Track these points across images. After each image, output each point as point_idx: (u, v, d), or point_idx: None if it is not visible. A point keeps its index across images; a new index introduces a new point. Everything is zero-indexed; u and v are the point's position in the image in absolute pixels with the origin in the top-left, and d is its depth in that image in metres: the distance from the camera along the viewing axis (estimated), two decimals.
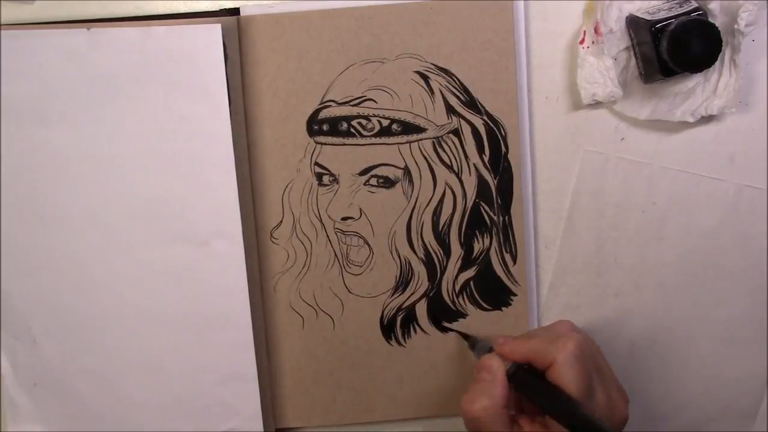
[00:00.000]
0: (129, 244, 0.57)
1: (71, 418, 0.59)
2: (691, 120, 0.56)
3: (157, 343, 0.58)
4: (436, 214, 0.58)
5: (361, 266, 0.59)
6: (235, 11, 0.57)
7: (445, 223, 0.58)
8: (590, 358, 0.53)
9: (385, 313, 0.59)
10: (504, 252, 0.58)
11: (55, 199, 0.56)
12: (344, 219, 0.58)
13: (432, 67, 0.57)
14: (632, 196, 0.59)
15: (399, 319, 0.59)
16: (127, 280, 0.57)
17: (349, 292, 0.59)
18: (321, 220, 0.58)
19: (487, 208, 0.58)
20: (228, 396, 0.59)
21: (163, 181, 0.56)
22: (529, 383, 0.52)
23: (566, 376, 0.50)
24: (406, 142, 0.57)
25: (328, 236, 0.58)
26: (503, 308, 0.59)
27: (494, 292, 0.59)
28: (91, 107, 0.55)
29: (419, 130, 0.57)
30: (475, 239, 0.58)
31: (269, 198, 0.58)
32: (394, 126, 0.57)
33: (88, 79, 0.55)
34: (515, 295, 0.59)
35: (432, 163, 0.57)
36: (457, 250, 0.58)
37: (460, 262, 0.58)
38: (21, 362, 0.59)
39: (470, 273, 0.59)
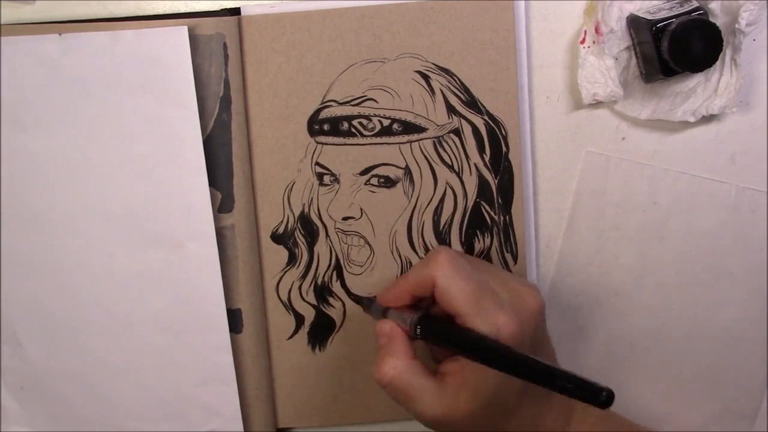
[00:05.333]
0: (107, 247, 0.57)
1: (57, 420, 0.60)
2: (692, 119, 0.56)
3: (138, 345, 0.58)
4: (437, 213, 0.58)
5: (362, 266, 0.59)
6: (235, 11, 0.57)
7: (446, 223, 0.58)
8: (471, 261, 0.51)
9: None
10: (505, 251, 0.58)
11: (36, 203, 0.56)
12: (345, 219, 0.58)
13: (433, 66, 0.57)
14: (633, 196, 0.59)
15: None
16: (106, 283, 0.57)
17: (350, 291, 0.59)
18: (322, 220, 0.58)
19: (487, 208, 0.58)
20: (208, 398, 0.59)
21: (136, 184, 0.56)
22: (431, 329, 0.50)
23: (451, 287, 0.48)
24: (407, 142, 0.57)
25: (328, 236, 0.58)
26: None
27: None
28: (66, 112, 0.55)
29: (420, 129, 0.57)
30: (476, 239, 0.58)
31: (270, 198, 0.58)
32: (395, 126, 0.57)
33: (61, 85, 0.55)
34: None
35: (433, 163, 0.57)
36: (458, 249, 0.58)
37: None
38: (8, 366, 0.59)
39: None
